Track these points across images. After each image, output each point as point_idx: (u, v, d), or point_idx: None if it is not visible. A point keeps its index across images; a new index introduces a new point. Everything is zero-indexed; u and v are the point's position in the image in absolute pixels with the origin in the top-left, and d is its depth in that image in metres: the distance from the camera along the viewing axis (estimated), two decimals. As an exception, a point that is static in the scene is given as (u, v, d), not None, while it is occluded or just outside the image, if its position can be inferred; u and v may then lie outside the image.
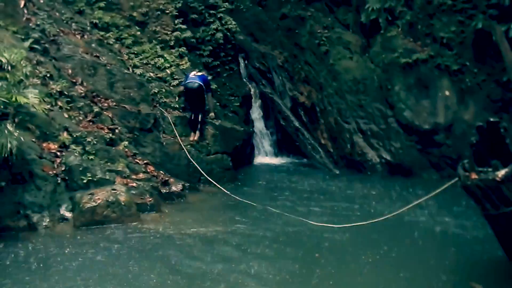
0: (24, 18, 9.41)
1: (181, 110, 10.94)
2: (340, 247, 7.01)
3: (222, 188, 9.70)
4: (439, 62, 10.93)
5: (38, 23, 9.58)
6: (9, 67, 7.15)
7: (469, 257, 6.51)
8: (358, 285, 5.81)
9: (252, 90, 14.23)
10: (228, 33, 12.81)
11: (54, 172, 7.83)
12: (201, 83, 10.63)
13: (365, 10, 11.99)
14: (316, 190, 10.55)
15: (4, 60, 7.07)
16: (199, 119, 10.78)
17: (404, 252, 6.78)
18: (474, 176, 5.33)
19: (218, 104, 12.18)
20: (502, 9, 10.00)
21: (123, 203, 7.79)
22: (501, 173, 5.01)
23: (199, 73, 10.91)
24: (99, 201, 7.63)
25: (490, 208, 5.41)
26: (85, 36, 10.36)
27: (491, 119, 5.58)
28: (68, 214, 7.61)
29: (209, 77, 11.45)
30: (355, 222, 7.62)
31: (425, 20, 11.22)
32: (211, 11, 12.65)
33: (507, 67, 7.72)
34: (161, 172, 9.66)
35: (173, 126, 10.47)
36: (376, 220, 7.37)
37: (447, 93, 10.93)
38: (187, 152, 10.24)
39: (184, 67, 11.50)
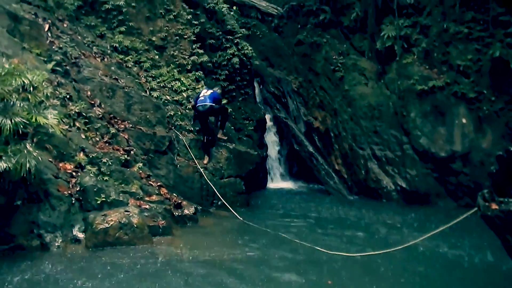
0: (48, 41, 9.66)
1: (195, 133, 11.00)
2: (353, 276, 6.84)
3: (235, 213, 9.64)
4: (455, 89, 10.88)
5: (61, 46, 9.83)
6: (31, 88, 7.29)
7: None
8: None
9: (267, 114, 14.31)
10: (244, 58, 12.98)
11: (69, 192, 7.87)
12: (212, 104, 10.54)
13: (381, 37, 12.06)
14: (330, 216, 10.42)
15: (26, 82, 7.22)
16: (211, 142, 10.82)
17: (418, 284, 6.58)
18: (494, 206, 5.20)
19: (232, 128, 12.24)
20: None
21: (135, 225, 7.76)
22: (523, 204, 4.87)
23: (209, 91, 10.74)
24: (112, 223, 7.61)
25: (511, 240, 5.24)
26: (105, 59, 10.59)
27: (511, 148, 5.47)
28: (81, 235, 7.60)
29: (219, 91, 11.23)
30: (369, 251, 7.45)
31: (441, 47, 11.23)
32: (228, 37, 12.87)
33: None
34: (174, 194, 9.65)
35: (188, 149, 10.52)
36: (390, 250, 7.23)
37: (464, 120, 10.82)
38: (204, 174, 10.24)
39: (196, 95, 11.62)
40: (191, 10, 12.23)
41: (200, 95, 10.72)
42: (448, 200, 11.26)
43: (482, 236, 8.12)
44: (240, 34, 13.16)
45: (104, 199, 8.01)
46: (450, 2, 11.09)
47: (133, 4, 11.43)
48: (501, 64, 10.22)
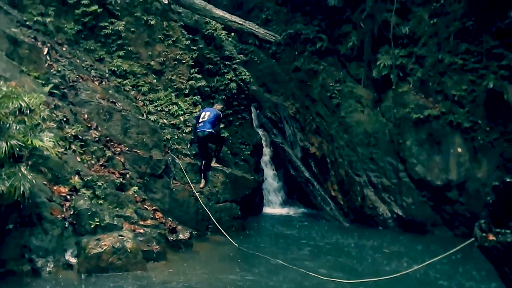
0: (46, 64, 9.71)
1: (192, 157, 10.99)
2: None
3: (230, 239, 9.55)
4: (451, 119, 10.98)
5: (59, 69, 9.88)
6: (28, 111, 7.30)
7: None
8: None
9: (263, 139, 14.34)
10: (242, 83, 13.10)
11: (63, 215, 7.77)
12: (211, 131, 10.55)
13: (377, 66, 12.23)
14: (326, 243, 10.34)
15: (23, 104, 7.23)
16: (208, 166, 10.81)
17: None
18: (492, 237, 5.18)
19: (229, 152, 12.24)
20: None
21: (129, 250, 7.65)
22: (521, 234, 4.85)
23: (210, 113, 10.67)
24: (105, 247, 7.50)
25: (509, 272, 5.20)
26: (103, 83, 10.64)
27: (508, 179, 5.49)
28: (73, 260, 7.47)
29: (219, 106, 11.28)
30: (363, 278, 7.44)
31: (437, 77, 11.39)
32: (226, 62, 13.02)
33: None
34: (169, 219, 9.56)
35: (184, 173, 10.49)
36: (387, 278, 7.19)
37: (459, 149, 10.89)
38: (199, 199, 10.18)
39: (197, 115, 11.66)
40: (190, 36, 12.39)
41: (200, 118, 10.72)
42: (444, 229, 11.21)
43: (478, 267, 8.08)
44: (238, 60, 13.31)
45: (98, 223, 7.91)
46: (445, 33, 11.31)
47: (132, 29, 11.57)
48: (495, 95, 10.36)
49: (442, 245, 9.33)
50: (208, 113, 10.73)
